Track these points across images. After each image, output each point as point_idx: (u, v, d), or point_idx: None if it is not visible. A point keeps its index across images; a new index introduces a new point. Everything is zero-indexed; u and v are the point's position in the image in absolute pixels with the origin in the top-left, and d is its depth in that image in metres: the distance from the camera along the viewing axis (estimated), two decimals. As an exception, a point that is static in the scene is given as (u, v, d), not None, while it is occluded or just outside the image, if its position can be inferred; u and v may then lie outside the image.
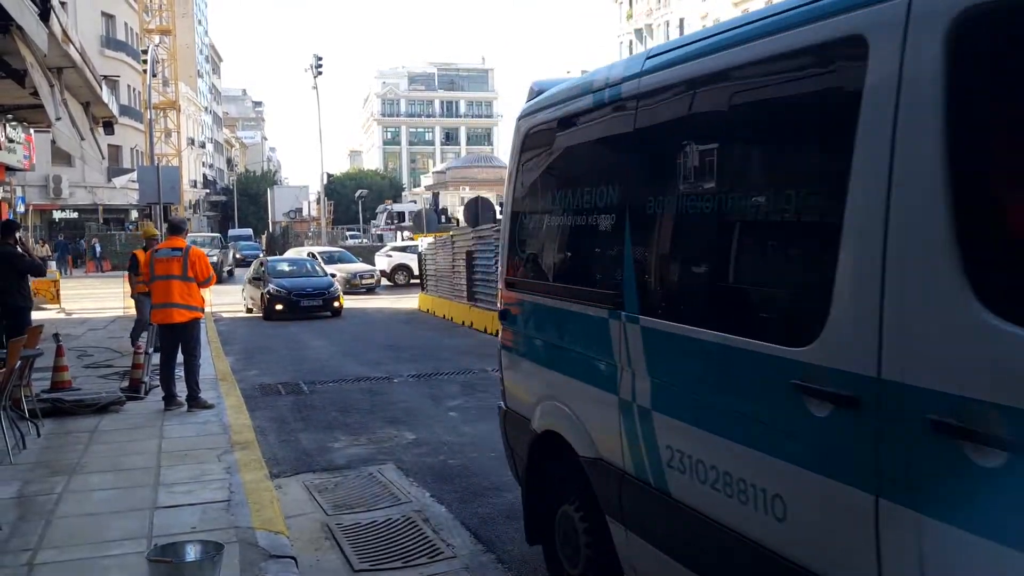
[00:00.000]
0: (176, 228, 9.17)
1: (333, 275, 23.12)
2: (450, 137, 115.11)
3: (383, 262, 31.66)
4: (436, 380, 11.17)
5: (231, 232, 63.85)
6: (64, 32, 9.17)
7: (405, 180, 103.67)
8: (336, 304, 20.43)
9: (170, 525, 5.15)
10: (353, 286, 26.84)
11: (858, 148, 2.29)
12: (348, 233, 56.07)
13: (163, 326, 8.75)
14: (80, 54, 10.44)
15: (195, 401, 8.60)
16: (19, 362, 6.93)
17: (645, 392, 3.31)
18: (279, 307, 19.73)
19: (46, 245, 39.87)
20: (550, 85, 4.60)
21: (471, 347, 14.52)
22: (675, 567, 3.15)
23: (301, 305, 19.80)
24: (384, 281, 29.53)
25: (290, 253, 33.03)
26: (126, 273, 14.51)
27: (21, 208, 34.22)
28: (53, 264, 35.70)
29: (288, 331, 17.45)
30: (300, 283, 20.64)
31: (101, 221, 48.55)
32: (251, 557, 4.62)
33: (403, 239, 41.26)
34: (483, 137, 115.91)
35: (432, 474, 6.69)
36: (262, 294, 20.23)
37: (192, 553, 3.87)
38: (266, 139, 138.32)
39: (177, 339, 8.68)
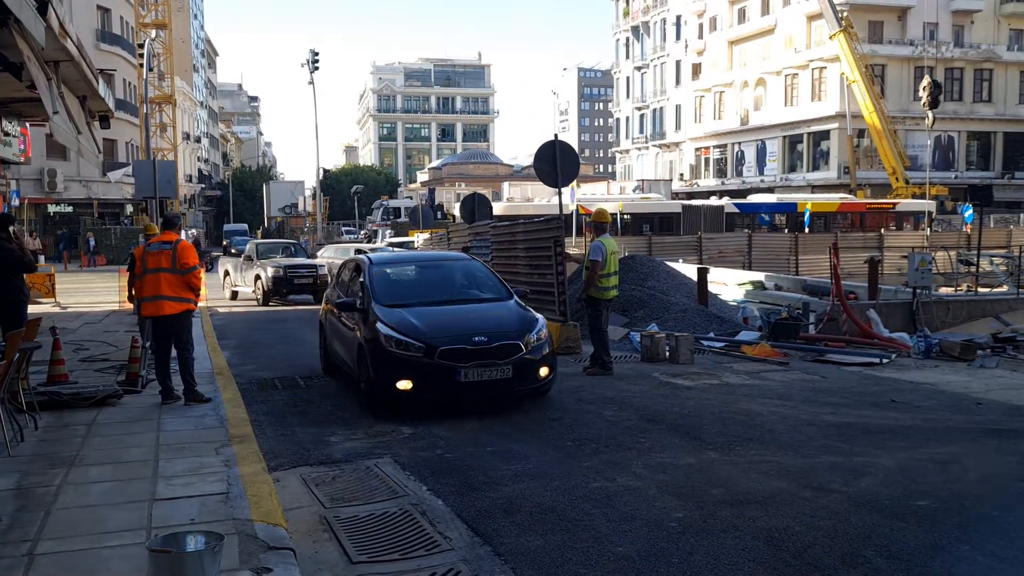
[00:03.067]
0: (169, 223, 9.15)
1: (525, 292, 10.44)
2: (446, 133, 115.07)
3: None
4: (432, 375, 11.15)
5: (226, 227, 63.74)
6: (61, 25, 9.18)
7: (401, 176, 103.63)
8: (544, 373, 8.93)
9: (169, 517, 5.18)
10: None
11: None
12: (344, 228, 56.05)
13: (155, 319, 8.76)
14: (77, 48, 10.44)
15: (191, 395, 8.62)
16: (17, 355, 6.95)
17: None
18: (406, 383, 8.46)
19: (37, 239, 39.77)
20: None
21: (467, 343, 14.52)
22: None
23: (460, 380, 8.42)
24: None
25: (328, 252, 27.33)
26: (122, 268, 14.52)
27: (16, 202, 34.17)
28: (41, 259, 35.67)
29: (284, 326, 17.46)
30: (454, 324, 8.96)
31: (96, 215, 48.42)
32: (250, 549, 4.65)
33: (387, 236, 40.82)
34: (479, 133, 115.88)
35: (429, 468, 6.72)
36: (360, 342, 9.07)
37: (193, 544, 3.90)
38: (261, 134, 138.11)
39: (169, 332, 8.68)
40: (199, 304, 9.52)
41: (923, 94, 40.57)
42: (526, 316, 9.33)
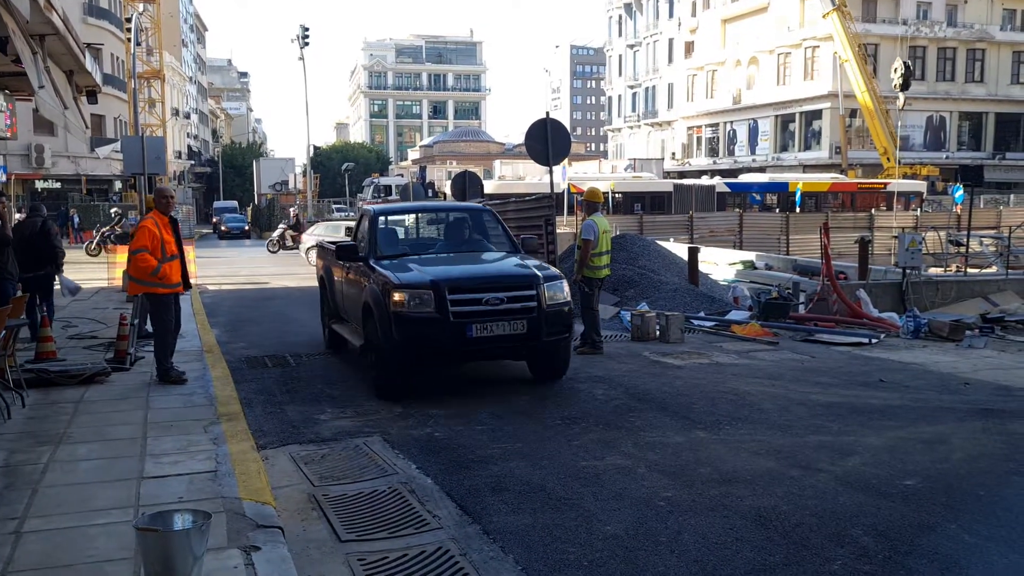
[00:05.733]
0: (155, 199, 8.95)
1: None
2: (437, 110, 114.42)
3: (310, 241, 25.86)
4: (422, 354, 11.16)
5: (216, 204, 63.41)
6: (47, -2, 9.04)
7: (392, 153, 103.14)
8: None
9: (157, 495, 5.17)
10: None
11: None
12: (335, 206, 55.83)
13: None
14: (63, 21, 10.29)
15: (162, 376, 8.45)
16: (3, 332, 6.90)
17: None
18: None
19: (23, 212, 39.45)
20: None
21: (457, 321, 14.51)
22: None
23: None
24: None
25: (319, 229, 22.19)
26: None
27: (3, 177, 33.85)
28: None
29: (273, 304, 17.40)
30: None
31: (84, 191, 48.03)
32: (239, 527, 4.65)
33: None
34: (471, 111, 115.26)
35: (418, 447, 6.72)
36: None
37: (180, 522, 3.89)
38: (251, 110, 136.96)
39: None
40: (167, 288, 8.49)
41: (894, 76, 40.51)
42: None
